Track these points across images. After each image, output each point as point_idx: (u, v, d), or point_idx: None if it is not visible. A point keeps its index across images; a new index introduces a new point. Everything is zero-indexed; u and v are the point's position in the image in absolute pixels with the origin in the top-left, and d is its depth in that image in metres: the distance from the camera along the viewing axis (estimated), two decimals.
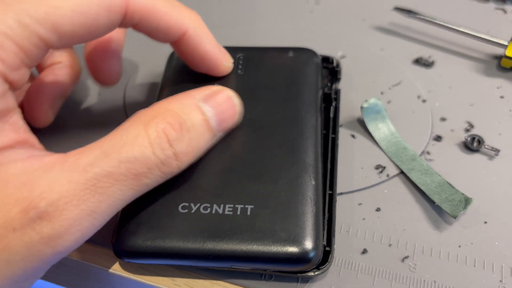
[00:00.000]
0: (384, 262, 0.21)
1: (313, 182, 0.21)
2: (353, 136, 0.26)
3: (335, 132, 0.25)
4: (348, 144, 0.26)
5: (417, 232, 0.22)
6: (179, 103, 0.19)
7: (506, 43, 0.29)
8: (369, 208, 0.23)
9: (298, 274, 0.20)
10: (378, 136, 0.26)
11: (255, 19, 0.35)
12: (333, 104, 0.26)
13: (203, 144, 0.19)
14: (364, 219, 0.23)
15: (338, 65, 0.28)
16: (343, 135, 0.26)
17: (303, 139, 0.22)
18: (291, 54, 0.27)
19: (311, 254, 0.19)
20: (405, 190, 0.24)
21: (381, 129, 0.26)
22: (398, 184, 0.24)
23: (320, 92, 0.26)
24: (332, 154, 0.24)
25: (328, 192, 0.22)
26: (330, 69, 0.28)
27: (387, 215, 0.23)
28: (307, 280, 0.20)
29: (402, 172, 0.24)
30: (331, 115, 0.26)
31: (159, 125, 0.18)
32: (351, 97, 0.28)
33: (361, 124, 0.27)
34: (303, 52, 0.27)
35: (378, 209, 0.23)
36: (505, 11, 0.34)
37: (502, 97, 0.28)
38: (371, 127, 0.26)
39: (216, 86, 0.21)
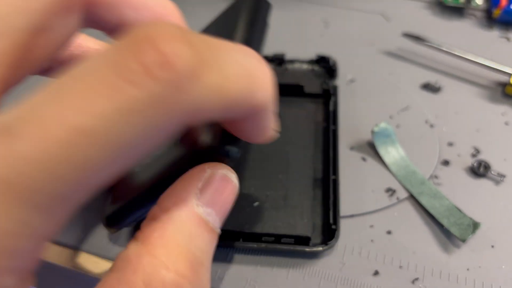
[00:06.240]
0: (395, 284, 0.22)
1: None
2: (364, 159, 0.27)
3: (335, 123, 0.28)
4: (359, 167, 0.27)
5: (427, 255, 0.23)
6: (175, 219, 0.14)
7: (510, 72, 0.30)
8: (380, 231, 0.24)
9: (308, 249, 0.22)
10: (388, 160, 0.27)
11: (265, 42, 0.36)
12: (332, 98, 0.29)
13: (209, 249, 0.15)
14: (375, 241, 0.23)
15: (334, 64, 0.32)
16: (354, 158, 0.27)
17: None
18: None
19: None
20: (415, 213, 0.24)
21: (391, 153, 0.27)
22: (408, 207, 0.25)
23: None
24: (333, 145, 0.26)
25: (331, 177, 0.25)
26: (327, 68, 0.32)
27: (398, 237, 0.23)
28: (316, 255, 0.23)
29: (411, 196, 0.25)
30: (331, 108, 0.28)
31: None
32: (361, 121, 0.29)
33: (371, 147, 0.27)
34: None
35: (389, 232, 0.24)
36: (508, 39, 0.35)
37: (506, 123, 0.29)
38: (381, 150, 0.27)
39: (208, 165, 0.15)
